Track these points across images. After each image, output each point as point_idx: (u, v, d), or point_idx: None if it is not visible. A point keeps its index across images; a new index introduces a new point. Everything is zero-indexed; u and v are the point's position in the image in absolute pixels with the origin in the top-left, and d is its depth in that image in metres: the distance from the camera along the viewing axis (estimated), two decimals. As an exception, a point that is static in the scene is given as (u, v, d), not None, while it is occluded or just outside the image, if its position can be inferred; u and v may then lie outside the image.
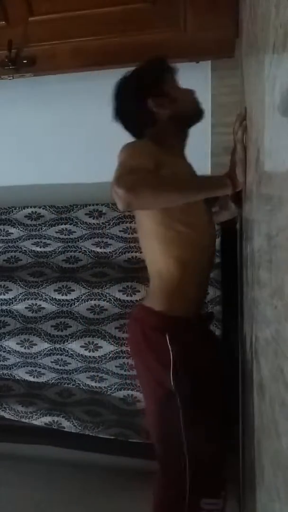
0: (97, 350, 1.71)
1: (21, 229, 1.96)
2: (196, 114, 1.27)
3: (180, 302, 1.17)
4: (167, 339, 1.11)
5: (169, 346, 1.10)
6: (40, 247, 1.95)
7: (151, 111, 1.21)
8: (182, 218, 1.13)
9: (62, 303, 1.81)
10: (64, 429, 1.67)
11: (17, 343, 1.78)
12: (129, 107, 1.24)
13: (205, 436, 1.12)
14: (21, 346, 1.78)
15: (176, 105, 1.22)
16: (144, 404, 1.26)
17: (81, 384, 1.78)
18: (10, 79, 1.70)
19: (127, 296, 1.74)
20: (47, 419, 1.68)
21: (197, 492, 1.10)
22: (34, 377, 1.82)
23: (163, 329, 1.13)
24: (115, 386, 1.74)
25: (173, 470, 1.14)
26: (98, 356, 1.71)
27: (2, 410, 1.74)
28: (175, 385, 1.10)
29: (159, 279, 1.20)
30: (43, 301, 1.82)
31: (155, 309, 1.17)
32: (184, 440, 1.09)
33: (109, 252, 1.88)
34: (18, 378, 1.84)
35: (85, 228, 1.90)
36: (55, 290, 1.80)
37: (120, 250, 1.86)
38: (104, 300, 1.77)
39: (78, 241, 1.92)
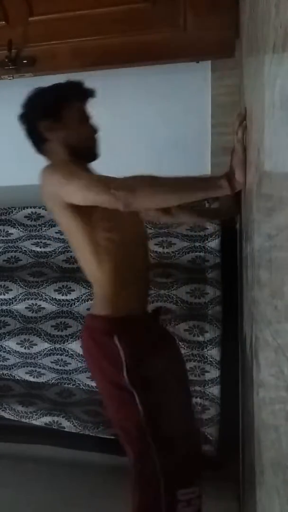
0: (97, 350, 1.71)
1: (21, 229, 1.96)
2: (88, 152, 1.27)
3: (122, 303, 1.21)
4: (116, 339, 1.14)
5: (118, 346, 1.14)
6: (40, 247, 1.95)
7: (40, 131, 1.25)
8: (104, 224, 1.18)
9: (62, 303, 1.81)
10: (64, 429, 1.67)
11: (17, 343, 1.78)
12: (25, 119, 1.29)
13: (168, 428, 1.14)
14: (21, 346, 1.78)
15: (67, 134, 1.24)
16: (107, 410, 1.28)
17: (81, 384, 1.78)
18: (10, 79, 1.70)
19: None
20: (47, 419, 1.68)
21: (171, 485, 1.11)
22: (34, 377, 1.82)
23: (110, 331, 1.17)
24: (115, 386, 1.74)
25: (145, 469, 1.15)
26: (98, 356, 1.71)
27: (2, 410, 1.74)
28: (130, 383, 1.12)
29: (99, 286, 1.24)
30: (43, 301, 1.82)
31: (100, 314, 1.21)
32: (149, 436, 1.11)
33: (109, 252, 1.88)
34: (18, 378, 1.84)
35: (85, 228, 1.90)
36: (55, 290, 1.81)
37: (120, 250, 1.86)
38: (104, 300, 1.76)
39: (78, 241, 1.92)
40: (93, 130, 1.28)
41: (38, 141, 1.28)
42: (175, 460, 1.12)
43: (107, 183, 1.07)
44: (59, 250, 1.94)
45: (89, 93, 1.28)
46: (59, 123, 1.24)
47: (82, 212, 1.16)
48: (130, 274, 1.23)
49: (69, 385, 1.80)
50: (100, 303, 1.24)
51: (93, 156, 1.28)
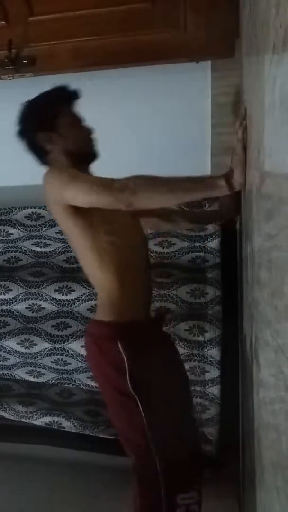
0: (97, 350, 1.70)
1: (21, 229, 1.96)
2: (88, 155, 1.28)
3: (127, 308, 1.21)
4: (119, 346, 1.14)
5: (122, 353, 1.14)
6: (40, 247, 1.95)
7: (39, 143, 1.26)
8: (105, 227, 1.19)
9: (62, 303, 1.81)
10: (64, 429, 1.67)
11: (17, 343, 1.78)
12: (23, 135, 1.30)
13: (169, 434, 1.14)
14: (21, 346, 1.78)
15: (66, 142, 1.25)
16: (110, 416, 1.28)
17: (81, 384, 1.78)
18: (10, 79, 1.70)
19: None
20: (47, 419, 1.68)
21: (171, 489, 1.12)
22: (34, 377, 1.82)
23: (114, 337, 1.17)
24: (115, 386, 1.74)
25: (146, 474, 1.16)
26: (98, 356, 1.71)
27: (2, 410, 1.74)
28: (133, 389, 1.13)
29: (103, 291, 1.24)
30: (44, 301, 1.82)
31: (104, 320, 1.21)
32: (151, 442, 1.12)
33: (109, 252, 1.88)
34: (18, 378, 1.85)
35: (85, 228, 1.90)
36: (55, 290, 1.81)
37: (120, 250, 1.86)
38: (104, 300, 1.76)
39: (78, 241, 1.92)
40: (88, 132, 1.29)
41: (40, 154, 1.29)
42: (176, 465, 1.13)
43: (108, 184, 1.08)
44: (59, 250, 1.94)
45: (74, 95, 1.29)
46: (56, 132, 1.25)
47: (84, 216, 1.16)
48: (132, 278, 1.23)
49: (69, 385, 1.80)
50: (103, 309, 1.23)
51: (93, 156, 1.28)
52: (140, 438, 1.14)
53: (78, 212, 1.16)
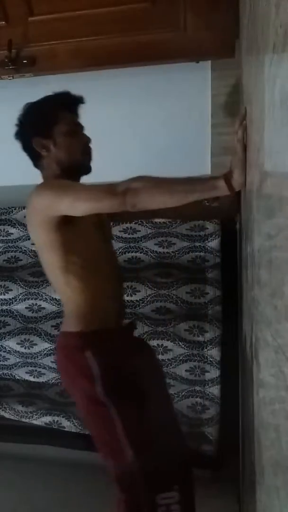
0: (97, 350, 1.70)
1: (21, 229, 1.96)
2: (79, 167, 1.27)
3: (95, 317, 1.21)
4: (87, 354, 1.16)
5: (92, 360, 1.15)
6: (40, 247, 1.95)
7: (34, 147, 1.25)
8: (76, 247, 1.18)
9: (62, 303, 1.81)
10: (64, 429, 1.67)
11: (17, 343, 1.78)
12: (19, 136, 1.30)
13: (145, 437, 1.15)
14: (21, 346, 1.78)
15: (59, 151, 1.24)
16: (87, 426, 1.30)
17: (81, 384, 1.78)
18: (10, 79, 1.70)
19: (127, 296, 1.74)
20: (47, 419, 1.68)
21: (150, 490, 1.13)
22: (34, 377, 1.82)
23: (82, 346, 1.18)
24: (115, 386, 1.74)
25: (125, 478, 1.16)
26: (98, 356, 1.71)
27: (2, 410, 1.74)
28: (105, 395, 1.14)
29: (70, 304, 1.25)
30: (43, 301, 1.82)
31: (72, 331, 1.22)
32: (128, 446, 1.13)
33: (109, 252, 1.88)
34: (18, 378, 1.85)
35: (85, 228, 1.90)
36: (55, 290, 1.80)
37: (120, 250, 1.86)
38: (104, 300, 1.76)
39: (78, 241, 1.92)
40: (85, 141, 1.27)
41: (33, 157, 1.29)
42: (154, 465, 1.14)
43: (111, 188, 1.07)
44: (59, 250, 1.94)
45: (77, 101, 1.28)
46: (50, 140, 1.24)
47: (63, 231, 1.16)
48: (102, 290, 1.24)
49: (69, 385, 1.80)
50: (73, 320, 1.23)
51: (85, 169, 1.27)
52: (116, 442, 1.14)
53: (60, 226, 1.14)
